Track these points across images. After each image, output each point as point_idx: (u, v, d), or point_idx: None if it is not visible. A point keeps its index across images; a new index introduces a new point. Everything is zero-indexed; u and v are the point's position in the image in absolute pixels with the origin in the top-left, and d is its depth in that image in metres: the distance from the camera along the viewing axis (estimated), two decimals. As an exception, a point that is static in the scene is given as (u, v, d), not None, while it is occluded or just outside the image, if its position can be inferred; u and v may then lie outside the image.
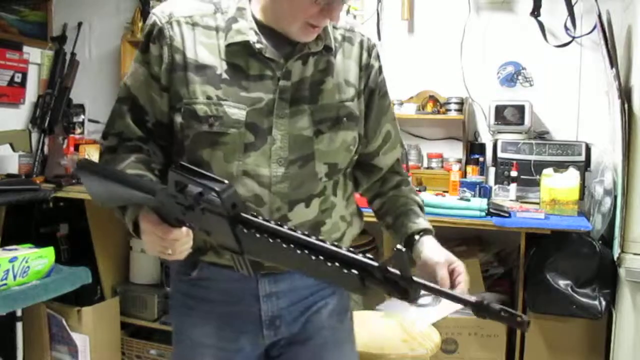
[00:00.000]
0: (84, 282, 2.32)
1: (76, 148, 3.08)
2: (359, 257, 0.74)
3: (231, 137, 1.05)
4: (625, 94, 1.94)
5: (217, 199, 0.81)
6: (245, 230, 0.80)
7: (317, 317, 1.19)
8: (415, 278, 0.72)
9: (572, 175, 2.15)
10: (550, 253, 2.03)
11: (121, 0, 3.21)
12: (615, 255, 1.92)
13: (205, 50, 1.07)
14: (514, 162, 2.33)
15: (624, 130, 1.87)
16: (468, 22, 2.57)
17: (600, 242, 2.04)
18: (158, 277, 2.86)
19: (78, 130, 3.26)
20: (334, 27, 1.15)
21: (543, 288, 2.01)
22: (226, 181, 0.83)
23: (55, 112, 3.14)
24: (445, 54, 2.63)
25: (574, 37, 2.41)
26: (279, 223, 0.80)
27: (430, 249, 1.13)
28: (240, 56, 1.06)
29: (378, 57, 1.21)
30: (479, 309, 0.71)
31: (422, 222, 1.19)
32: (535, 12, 2.43)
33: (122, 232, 2.91)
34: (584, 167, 2.27)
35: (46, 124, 3.13)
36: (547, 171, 2.18)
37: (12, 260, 2.02)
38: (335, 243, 0.77)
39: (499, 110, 2.44)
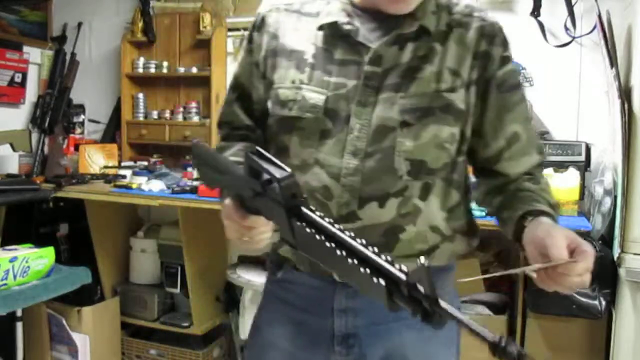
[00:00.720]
0: (84, 282, 2.32)
1: (76, 148, 3.08)
2: (391, 267, 0.67)
3: (307, 122, 1.02)
4: (625, 94, 1.93)
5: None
6: (298, 223, 0.76)
7: (402, 352, 1.08)
8: (441, 302, 0.64)
9: (572, 175, 2.15)
10: (550, 253, 2.03)
11: (121, 0, 3.21)
12: (615, 255, 1.92)
13: (299, 35, 1.06)
14: (514, 162, 2.33)
15: (624, 130, 1.87)
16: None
17: (600, 242, 2.04)
18: (158, 277, 2.86)
19: (78, 130, 3.26)
20: (449, 13, 1.05)
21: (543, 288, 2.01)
22: (289, 170, 0.78)
23: (55, 112, 3.14)
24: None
25: (574, 37, 2.41)
26: (331, 221, 0.74)
27: (545, 225, 0.94)
28: (329, 39, 1.03)
29: (503, 45, 1.06)
30: (495, 348, 0.64)
31: (542, 206, 1.00)
32: (535, 12, 2.42)
33: (122, 232, 2.92)
34: (584, 167, 2.26)
35: (46, 124, 3.13)
36: (547, 171, 2.18)
37: (12, 260, 2.02)
38: (376, 250, 0.69)
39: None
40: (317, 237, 0.73)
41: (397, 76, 1.01)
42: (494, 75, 1.04)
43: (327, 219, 0.75)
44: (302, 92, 1.02)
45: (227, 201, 0.91)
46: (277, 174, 0.78)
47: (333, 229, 0.73)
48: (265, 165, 0.80)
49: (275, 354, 1.12)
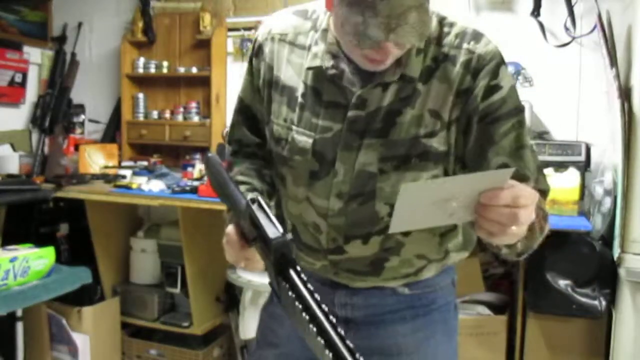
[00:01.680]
0: (84, 282, 2.33)
1: (76, 148, 3.09)
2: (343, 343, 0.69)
3: (297, 163, 1.06)
4: (625, 94, 1.93)
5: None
6: (283, 283, 0.80)
7: (395, 341, 1.14)
8: None
9: (572, 175, 2.15)
10: (550, 253, 2.03)
11: (121, 0, 3.21)
12: (615, 255, 1.92)
13: (292, 70, 1.07)
14: (514, 162, 2.33)
15: (624, 130, 1.87)
16: (468, 22, 2.56)
17: (600, 242, 2.04)
18: (158, 277, 2.86)
19: (78, 130, 3.26)
20: (438, 44, 1.01)
21: (543, 288, 2.01)
22: (281, 230, 0.82)
23: (56, 112, 3.15)
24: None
25: (574, 37, 2.41)
26: (312, 290, 0.77)
27: None
28: (318, 80, 1.04)
29: (491, 75, 0.99)
30: None
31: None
32: (535, 12, 2.42)
33: (122, 232, 2.92)
34: (584, 167, 2.26)
35: (46, 124, 3.13)
36: (547, 171, 2.18)
37: (13, 260, 2.02)
38: (343, 335, 0.70)
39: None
40: (296, 303, 0.76)
41: (379, 120, 1.01)
42: (476, 109, 0.99)
43: (309, 286, 0.77)
44: (292, 133, 1.06)
45: (230, 228, 0.95)
46: (271, 232, 0.82)
47: (311, 302, 0.75)
48: (262, 221, 0.85)
49: (282, 324, 1.19)
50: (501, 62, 1.01)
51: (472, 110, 1.00)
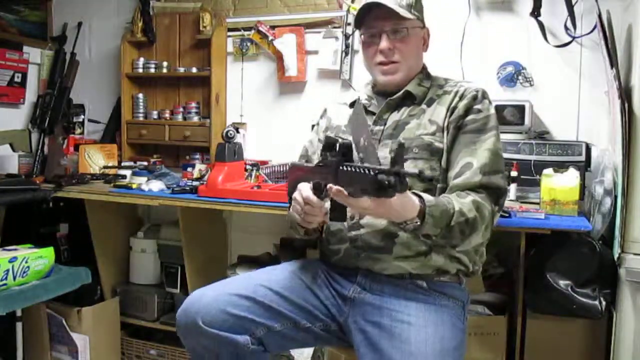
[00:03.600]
0: (84, 282, 2.33)
1: (76, 148, 3.08)
2: (381, 167, 1.11)
3: None
4: (625, 94, 1.93)
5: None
6: (341, 168, 1.20)
7: (407, 304, 1.42)
8: (405, 170, 1.07)
9: (572, 175, 2.15)
10: (550, 253, 2.02)
11: (121, 0, 3.21)
12: (616, 256, 1.92)
13: (341, 117, 1.65)
14: (514, 162, 2.32)
15: (624, 130, 1.87)
16: (468, 22, 2.56)
17: (600, 242, 2.03)
18: (158, 277, 2.86)
19: (78, 130, 3.27)
20: (441, 88, 1.53)
21: (543, 288, 2.01)
22: (350, 139, 1.27)
23: (55, 112, 3.14)
24: (445, 54, 2.63)
25: (574, 37, 2.41)
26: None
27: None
28: (355, 111, 1.49)
29: (472, 99, 1.46)
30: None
31: (426, 195, 1.30)
32: (535, 12, 2.42)
33: (122, 232, 2.92)
34: (584, 167, 2.26)
35: (46, 124, 3.13)
36: (547, 171, 2.18)
37: (12, 260, 2.02)
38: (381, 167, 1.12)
39: (499, 111, 2.41)
40: (351, 168, 1.17)
41: (392, 128, 1.52)
42: (457, 120, 1.46)
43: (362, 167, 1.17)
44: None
45: (302, 184, 1.35)
46: (340, 141, 1.25)
47: (362, 166, 1.16)
48: (336, 137, 1.30)
49: (287, 272, 1.57)
50: (485, 95, 1.48)
51: (455, 120, 1.46)
